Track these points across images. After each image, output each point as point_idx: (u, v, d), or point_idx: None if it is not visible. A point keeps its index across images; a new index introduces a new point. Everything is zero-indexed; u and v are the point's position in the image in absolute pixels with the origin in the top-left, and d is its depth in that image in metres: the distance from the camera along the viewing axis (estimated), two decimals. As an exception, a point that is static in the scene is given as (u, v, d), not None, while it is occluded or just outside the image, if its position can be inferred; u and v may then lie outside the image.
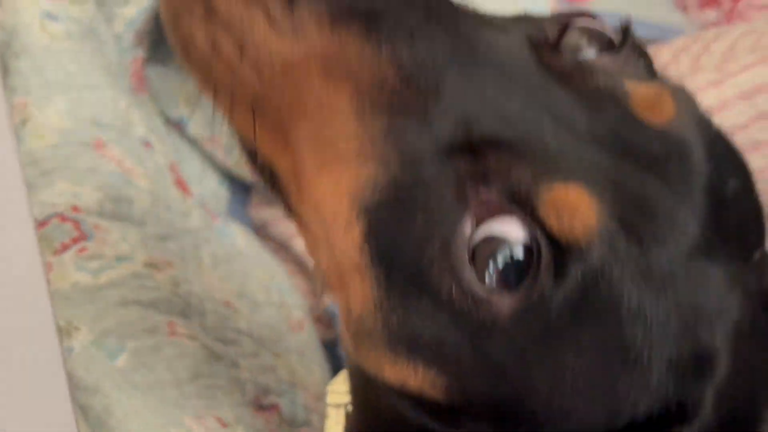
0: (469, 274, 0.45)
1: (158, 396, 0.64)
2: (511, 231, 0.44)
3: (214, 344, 0.74)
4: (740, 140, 0.89)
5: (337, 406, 0.66)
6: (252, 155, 0.52)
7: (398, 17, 0.46)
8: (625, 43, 0.52)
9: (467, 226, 0.45)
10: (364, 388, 0.57)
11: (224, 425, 0.65)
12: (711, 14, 1.00)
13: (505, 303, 0.45)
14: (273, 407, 0.77)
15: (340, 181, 0.48)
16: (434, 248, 0.46)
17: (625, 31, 0.52)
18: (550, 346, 0.46)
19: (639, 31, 1.07)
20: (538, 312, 0.44)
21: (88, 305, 0.69)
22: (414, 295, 0.47)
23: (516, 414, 0.49)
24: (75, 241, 0.75)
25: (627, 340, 0.45)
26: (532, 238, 0.44)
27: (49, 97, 0.78)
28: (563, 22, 0.51)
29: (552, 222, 0.44)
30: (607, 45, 0.51)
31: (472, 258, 0.45)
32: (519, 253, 0.44)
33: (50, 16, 0.83)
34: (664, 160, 0.47)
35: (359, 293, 0.50)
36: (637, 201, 0.45)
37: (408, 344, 0.49)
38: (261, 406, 0.74)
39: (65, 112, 0.78)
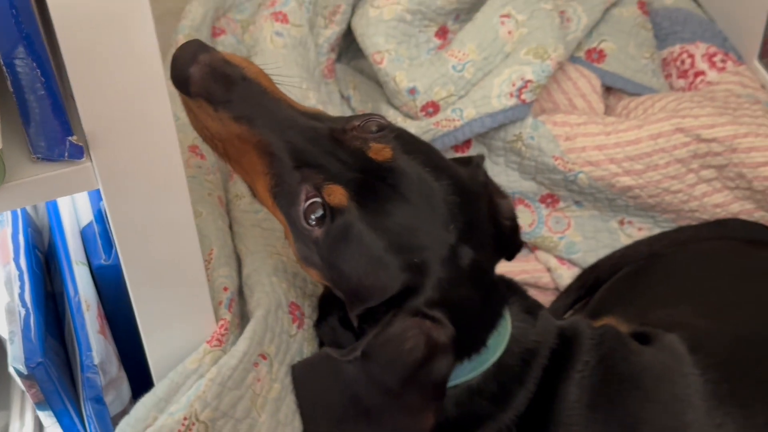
0: (303, 221, 0.80)
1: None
2: (317, 201, 0.79)
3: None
4: (646, 162, 1.27)
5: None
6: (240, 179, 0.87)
7: (262, 119, 0.79)
8: (384, 128, 0.83)
9: (303, 200, 0.80)
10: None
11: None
12: (681, 82, 1.30)
13: (319, 231, 0.80)
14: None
15: (262, 185, 0.83)
16: (294, 209, 0.81)
17: (387, 123, 0.84)
18: (340, 250, 0.79)
19: (628, 88, 1.45)
20: (329, 234, 0.79)
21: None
22: (299, 232, 0.82)
23: (351, 289, 0.82)
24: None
25: (372, 250, 0.78)
26: (325, 205, 0.79)
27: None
28: (364, 120, 0.83)
29: (328, 200, 0.79)
30: (382, 127, 0.83)
31: (305, 214, 0.80)
32: (320, 211, 0.79)
33: (278, 34, 1.35)
34: (387, 175, 0.80)
35: (289, 236, 0.84)
36: (371, 192, 0.79)
37: (306, 258, 0.84)
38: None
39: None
